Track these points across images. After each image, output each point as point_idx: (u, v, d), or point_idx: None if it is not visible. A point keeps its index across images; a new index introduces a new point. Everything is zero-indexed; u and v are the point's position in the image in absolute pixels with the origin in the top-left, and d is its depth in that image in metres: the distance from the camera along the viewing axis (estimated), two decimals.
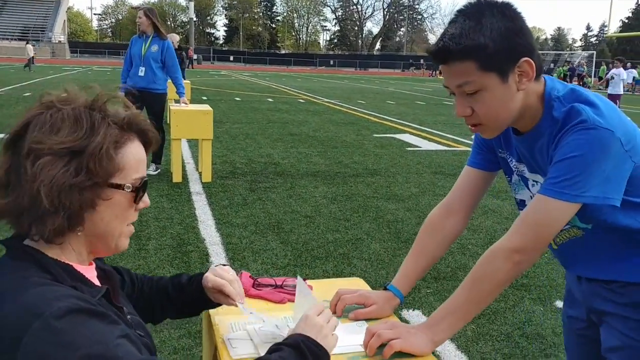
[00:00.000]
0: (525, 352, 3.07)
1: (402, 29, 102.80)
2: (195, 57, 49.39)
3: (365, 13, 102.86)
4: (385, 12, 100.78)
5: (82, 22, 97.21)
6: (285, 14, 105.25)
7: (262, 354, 1.21)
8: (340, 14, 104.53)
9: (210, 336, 1.50)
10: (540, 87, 1.39)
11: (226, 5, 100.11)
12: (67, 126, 1.04)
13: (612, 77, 16.19)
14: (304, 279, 1.67)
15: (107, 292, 1.11)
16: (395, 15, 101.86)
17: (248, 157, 8.44)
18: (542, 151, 1.42)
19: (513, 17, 1.31)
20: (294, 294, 1.58)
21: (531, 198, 1.55)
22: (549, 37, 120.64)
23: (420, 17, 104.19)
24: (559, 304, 3.67)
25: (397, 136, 11.34)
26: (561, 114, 1.34)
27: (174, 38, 10.77)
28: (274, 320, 1.40)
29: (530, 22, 1.40)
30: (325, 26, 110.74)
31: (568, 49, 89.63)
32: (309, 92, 24.64)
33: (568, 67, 43.11)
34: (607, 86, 16.68)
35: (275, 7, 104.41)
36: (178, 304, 1.45)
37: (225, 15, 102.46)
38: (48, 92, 1.11)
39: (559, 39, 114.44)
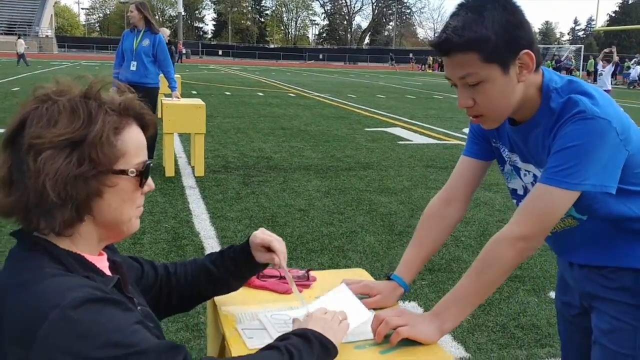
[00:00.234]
0: (520, 343, 3.10)
1: (391, 23, 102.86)
2: (184, 51, 49.14)
3: (354, 7, 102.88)
4: (374, 6, 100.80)
5: (69, 16, 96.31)
6: (274, 8, 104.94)
7: None
8: (329, 8, 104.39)
9: (216, 327, 1.51)
10: (538, 79, 1.42)
11: None
12: (65, 118, 1.03)
13: (600, 74, 16.31)
14: (308, 270, 1.69)
15: (118, 282, 1.11)
16: (384, 9, 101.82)
17: (240, 151, 8.43)
18: (536, 141, 1.45)
19: (513, 10, 1.34)
20: (299, 284, 1.60)
21: (523, 187, 1.59)
22: (537, 31, 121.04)
23: (409, 11, 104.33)
24: (553, 294, 3.71)
25: (389, 130, 11.37)
26: (558, 105, 1.38)
27: (165, 32, 10.71)
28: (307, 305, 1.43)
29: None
30: (314, 20, 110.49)
31: (556, 43, 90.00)
32: (299, 86, 24.62)
33: (555, 59, 43.35)
34: (595, 80, 16.78)
35: (263, 1, 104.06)
36: (221, 275, 1.46)
37: (214, 9, 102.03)
38: (41, 85, 1.10)
39: (547, 33, 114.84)
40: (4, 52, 48.50)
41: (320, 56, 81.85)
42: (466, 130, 11.49)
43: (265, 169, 7.24)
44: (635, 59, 40.10)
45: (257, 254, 1.45)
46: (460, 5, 1.36)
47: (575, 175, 1.32)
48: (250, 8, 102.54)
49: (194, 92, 18.20)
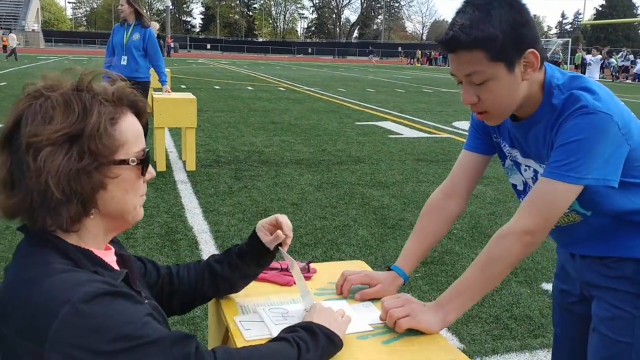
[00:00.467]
0: (514, 333, 3.14)
1: (380, 17, 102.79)
2: (172, 45, 48.88)
3: (342, 1, 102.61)
4: (362, 0, 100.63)
5: (56, 10, 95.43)
6: (262, 1, 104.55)
7: (275, 334, 1.24)
8: (317, 1, 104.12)
9: (219, 319, 1.52)
10: (541, 76, 1.43)
11: None
12: (59, 113, 1.02)
13: (590, 64, 16.44)
14: (308, 263, 1.70)
15: (126, 276, 1.12)
16: (373, 2, 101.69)
17: (231, 145, 8.42)
18: (537, 137, 1.47)
19: (519, 8, 1.35)
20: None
21: (523, 182, 1.60)
22: None
23: (397, 4, 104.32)
24: (545, 286, 3.76)
25: (379, 124, 11.39)
26: (560, 101, 1.39)
27: (154, 26, 10.65)
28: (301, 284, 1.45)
29: None
30: (303, 14, 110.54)
31: (544, 37, 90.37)
32: (289, 80, 24.58)
33: None
34: (583, 72, 16.93)
35: None
36: (225, 272, 1.46)
37: (202, 3, 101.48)
38: (30, 82, 1.08)
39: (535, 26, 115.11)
40: None
41: (309, 50, 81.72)
42: (456, 123, 11.62)
43: (256, 163, 7.24)
44: (621, 53, 40.35)
45: (262, 236, 1.47)
46: (467, 2, 1.36)
47: (578, 170, 1.33)
48: (238, 1, 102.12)
49: (183, 86, 18.13)
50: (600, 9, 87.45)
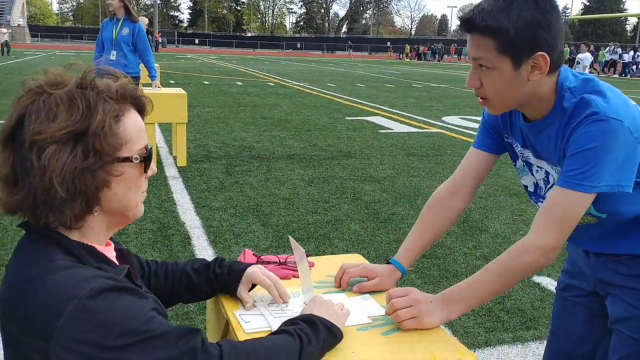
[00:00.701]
0: (506, 326, 3.17)
1: (368, 12, 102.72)
2: (160, 40, 48.62)
3: None
4: None
5: (41, 5, 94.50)
6: None
7: (275, 327, 1.25)
8: None
9: (218, 313, 1.52)
10: (554, 78, 1.42)
11: None
12: (63, 110, 1.01)
13: (578, 62, 16.46)
14: (307, 254, 1.71)
15: (128, 272, 1.12)
16: None
17: (222, 141, 8.40)
18: (549, 139, 1.47)
19: (546, 10, 1.33)
20: (297, 270, 1.62)
21: (534, 184, 1.60)
22: None
23: None
24: (536, 279, 3.79)
25: (369, 119, 11.41)
26: (571, 104, 1.39)
27: (143, 21, 10.56)
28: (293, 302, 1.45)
29: None
30: (291, 8, 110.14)
31: None
32: (278, 75, 24.54)
33: None
34: (571, 67, 16.96)
35: None
36: (201, 283, 1.45)
37: None
38: (32, 77, 1.06)
39: None
40: None
41: (298, 45, 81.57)
42: (445, 118, 11.66)
43: (247, 159, 7.23)
44: (609, 48, 40.60)
45: (240, 287, 1.44)
46: None
47: (592, 178, 1.34)
48: None
49: (172, 81, 18.04)
50: (587, 3, 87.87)
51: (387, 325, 1.38)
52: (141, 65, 7.09)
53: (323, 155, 7.61)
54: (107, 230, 1.14)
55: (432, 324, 1.37)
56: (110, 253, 1.16)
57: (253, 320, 1.36)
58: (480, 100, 1.46)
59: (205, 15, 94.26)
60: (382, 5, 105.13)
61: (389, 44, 69.18)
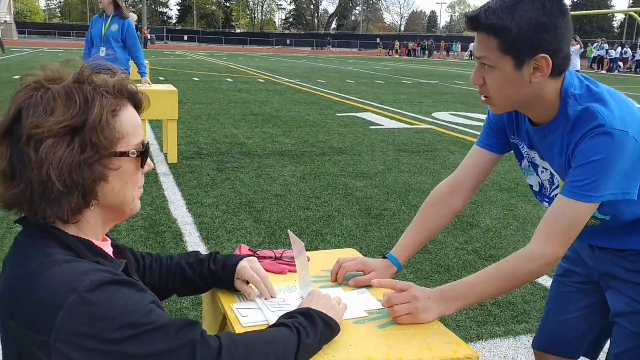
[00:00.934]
0: (498, 320, 3.20)
1: (358, 8, 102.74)
2: (149, 37, 48.39)
3: None
4: None
5: (28, 1, 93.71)
6: None
7: (272, 321, 1.26)
8: None
9: (215, 307, 1.53)
10: (559, 83, 1.42)
11: None
12: (61, 105, 1.02)
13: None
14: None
15: (125, 266, 1.13)
16: None
17: (212, 137, 8.39)
18: (553, 145, 1.48)
19: (552, 12, 1.33)
20: (293, 265, 1.64)
21: (539, 184, 1.61)
22: None
23: None
24: None
25: (360, 115, 11.42)
26: (575, 112, 1.40)
27: (132, 17, 10.52)
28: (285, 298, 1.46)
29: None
30: (281, 5, 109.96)
31: None
32: (268, 71, 24.49)
33: None
34: None
35: None
36: (196, 278, 1.46)
37: None
38: (29, 73, 1.08)
39: None
40: None
41: (288, 41, 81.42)
42: (435, 114, 11.70)
43: (239, 155, 7.22)
44: (596, 44, 40.87)
45: (238, 283, 1.45)
46: None
47: (598, 189, 1.35)
48: None
49: (162, 78, 17.98)
50: (576, 0, 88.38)
51: (383, 318, 1.39)
52: (131, 62, 7.05)
53: (314, 152, 7.62)
54: (104, 225, 1.15)
55: (428, 320, 1.39)
56: (108, 248, 1.17)
57: (251, 314, 1.37)
58: (484, 98, 1.47)
59: (195, 12, 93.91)
60: (371, 2, 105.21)
61: (378, 40, 69.19)
